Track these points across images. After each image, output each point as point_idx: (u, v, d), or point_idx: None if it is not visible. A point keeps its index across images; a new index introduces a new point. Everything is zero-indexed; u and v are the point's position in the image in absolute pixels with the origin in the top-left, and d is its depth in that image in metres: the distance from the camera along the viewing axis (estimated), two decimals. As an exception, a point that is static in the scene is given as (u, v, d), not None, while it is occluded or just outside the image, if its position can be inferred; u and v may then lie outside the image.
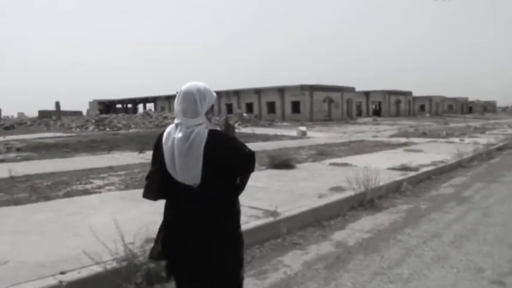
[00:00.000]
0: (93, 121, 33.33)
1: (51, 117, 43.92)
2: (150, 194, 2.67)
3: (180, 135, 2.46)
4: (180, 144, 2.44)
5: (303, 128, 25.91)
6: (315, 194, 7.42)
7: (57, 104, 43.46)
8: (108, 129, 30.08)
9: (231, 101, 59.80)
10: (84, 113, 62.76)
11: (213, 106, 2.65)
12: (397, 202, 7.69)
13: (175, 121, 2.56)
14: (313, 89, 52.53)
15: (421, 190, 8.75)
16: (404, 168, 10.35)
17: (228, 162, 2.52)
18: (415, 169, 10.21)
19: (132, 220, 5.81)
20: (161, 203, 2.78)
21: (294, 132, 25.85)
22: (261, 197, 7.07)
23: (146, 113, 45.07)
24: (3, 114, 55.86)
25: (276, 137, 23.46)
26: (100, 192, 8.02)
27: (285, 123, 42.15)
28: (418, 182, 9.42)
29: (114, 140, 21.43)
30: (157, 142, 2.64)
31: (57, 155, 15.06)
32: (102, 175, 10.10)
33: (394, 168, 10.43)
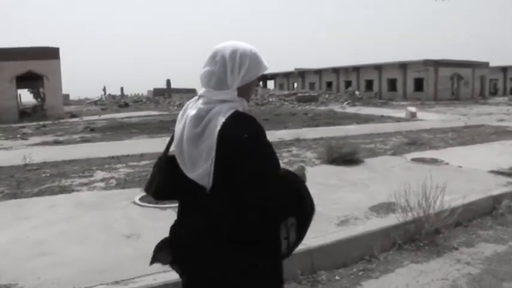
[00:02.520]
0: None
1: (164, 95, 44.95)
2: (150, 189, 1.80)
3: (193, 112, 1.64)
4: (190, 126, 1.62)
5: (413, 109, 22.18)
6: (342, 215, 4.84)
7: (168, 82, 44.38)
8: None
9: (349, 78, 55.96)
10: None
11: (254, 82, 1.76)
12: (481, 236, 4.71)
13: (199, 92, 1.73)
14: (438, 64, 46.39)
15: (531, 214, 5.54)
16: (516, 172, 7.04)
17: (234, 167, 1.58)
18: (532, 176, 6.83)
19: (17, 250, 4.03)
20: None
21: (403, 114, 22.29)
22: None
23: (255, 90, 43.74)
24: (134, 91, 58.87)
25: (379, 119, 20.29)
26: (74, 191, 6.62)
27: (403, 103, 37.64)
28: (532, 199, 6.13)
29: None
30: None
31: (117, 137, 14.46)
32: (118, 165, 8.82)
33: (500, 172, 7.16)
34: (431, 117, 21.10)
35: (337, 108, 28.68)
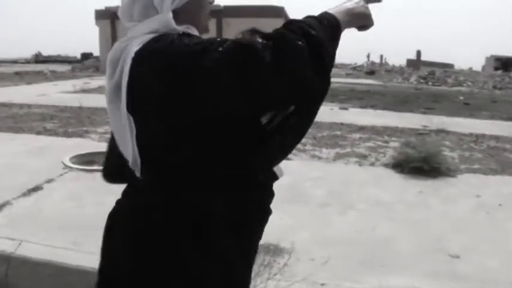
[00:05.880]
0: (426, 74, 29.07)
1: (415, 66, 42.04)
2: (103, 170, 1.39)
3: (109, 57, 1.13)
4: (107, 82, 1.13)
5: None
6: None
7: (418, 53, 40.93)
8: (430, 83, 25.59)
9: None
10: (479, 69, 57.06)
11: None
12: None
13: None
14: None
15: None
16: None
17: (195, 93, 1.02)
18: None
19: None
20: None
21: None
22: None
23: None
24: (395, 60, 57.20)
25: None
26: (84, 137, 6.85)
27: None
28: None
29: (394, 93, 17.50)
30: None
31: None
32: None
33: None
34: None
35: None
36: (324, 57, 1.01)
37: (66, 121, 8.16)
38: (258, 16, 26.03)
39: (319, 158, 6.02)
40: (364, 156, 6.19)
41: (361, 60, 62.16)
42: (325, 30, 1.05)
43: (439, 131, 8.84)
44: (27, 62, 44.31)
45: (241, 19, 25.88)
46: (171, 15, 1.09)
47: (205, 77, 0.97)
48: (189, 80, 0.98)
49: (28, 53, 49.91)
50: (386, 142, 7.33)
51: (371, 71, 40.64)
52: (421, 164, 5.44)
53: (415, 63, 41.37)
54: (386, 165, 5.77)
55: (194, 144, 1.07)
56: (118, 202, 1.25)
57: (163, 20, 1.09)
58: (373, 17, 1.21)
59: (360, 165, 5.78)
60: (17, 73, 23.36)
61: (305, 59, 0.97)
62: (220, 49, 0.97)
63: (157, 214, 1.12)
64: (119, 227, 1.20)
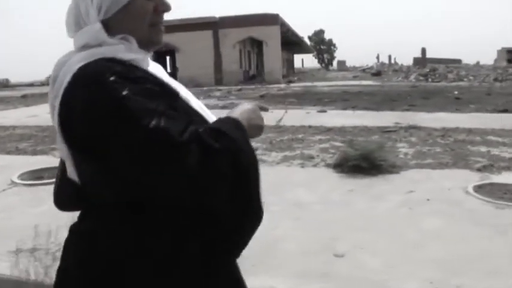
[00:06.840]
0: (427, 71, 28.91)
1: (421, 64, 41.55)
2: (54, 197, 1.25)
3: (52, 72, 1.08)
4: (48, 97, 1.09)
5: None
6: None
7: (423, 51, 40.37)
8: (429, 80, 25.45)
9: None
10: (491, 62, 55.97)
11: (140, 2, 1.05)
12: None
13: None
14: None
15: None
16: None
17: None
18: None
19: None
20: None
21: None
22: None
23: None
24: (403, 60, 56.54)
25: None
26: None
27: None
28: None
29: (386, 93, 17.50)
30: None
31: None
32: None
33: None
34: None
35: None
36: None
37: (41, 140, 8.49)
38: (253, 25, 26.34)
39: (264, 161, 6.14)
40: (311, 158, 6.31)
41: (372, 62, 61.93)
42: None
43: (410, 127, 8.89)
44: (42, 84, 45.79)
45: (238, 29, 26.25)
46: (98, 26, 1.02)
47: (121, 148, 0.91)
48: (104, 145, 0.93)
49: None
50: (344, 143, 7.43)
51: (377, 72, 40.56)
52: (358, 162, 5.54)
53: (421, 61, 40.99)
54: (328, 166, 5.89)
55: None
56: (70, 228, 1.15)
57: (91, 31, 1.02)
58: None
59: (303, 166, 5.90)
60: (23, 96, 24.10)
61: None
62: (148, 130, 0.88)
63: (99, 243, 1.05)
64: (69, 253, 1.12)
